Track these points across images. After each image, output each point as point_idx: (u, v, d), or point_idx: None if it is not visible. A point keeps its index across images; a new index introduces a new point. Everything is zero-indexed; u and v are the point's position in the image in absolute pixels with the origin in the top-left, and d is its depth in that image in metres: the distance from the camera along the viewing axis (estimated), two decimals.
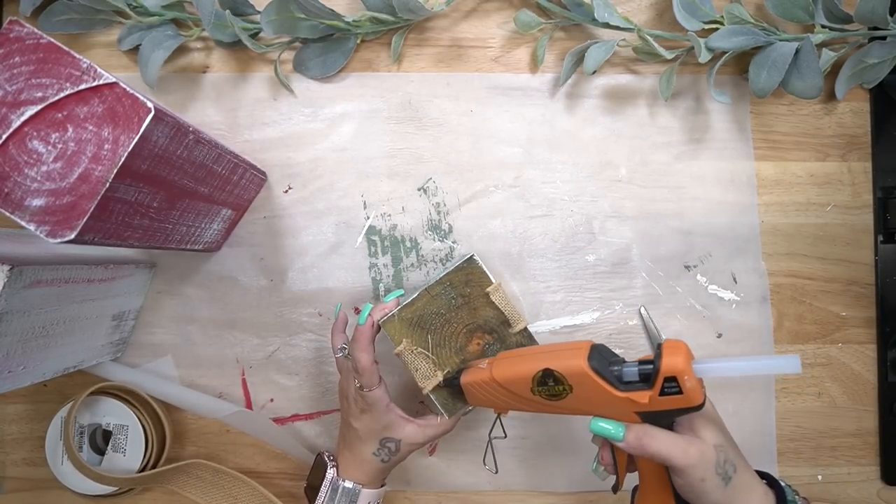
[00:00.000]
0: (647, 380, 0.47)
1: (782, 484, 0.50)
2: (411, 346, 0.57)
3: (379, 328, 0.58)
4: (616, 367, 0.48)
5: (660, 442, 0.46)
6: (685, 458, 0.46)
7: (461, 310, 0.58)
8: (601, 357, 0.49)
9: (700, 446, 0.46)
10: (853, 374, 0.69)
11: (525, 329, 0.59)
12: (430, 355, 0.58)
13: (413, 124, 0.69)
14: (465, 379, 0.56)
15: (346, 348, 0.60)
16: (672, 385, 0.45)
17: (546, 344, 0.55)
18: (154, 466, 0.66)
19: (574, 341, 0.51)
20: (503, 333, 0.59)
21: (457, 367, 0.58)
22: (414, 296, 0.58)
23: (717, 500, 0.46)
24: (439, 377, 0.57)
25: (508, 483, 0.69)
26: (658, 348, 0.47)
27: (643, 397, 0.46)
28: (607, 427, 0.48)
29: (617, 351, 0.68)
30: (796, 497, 0.49)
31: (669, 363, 0.45)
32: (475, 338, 0.59)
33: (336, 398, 0.69)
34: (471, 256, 0.58)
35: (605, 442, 0.51)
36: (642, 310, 0.69)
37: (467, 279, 0.58)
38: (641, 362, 0.48)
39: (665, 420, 0.48)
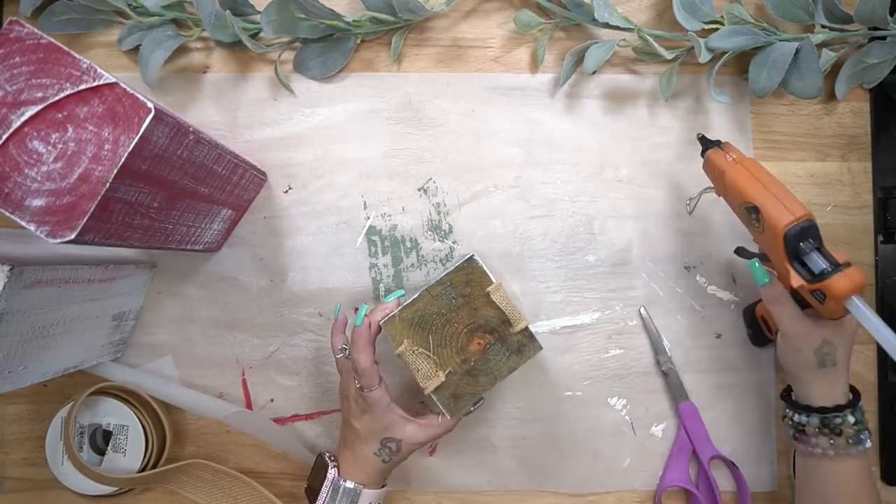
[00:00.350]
0: (816, 273, 0.52)
1: (862, 408, 0.56)
2: (412, 347, 0.57)
3: (379, 329, 0.58)
4: (806, 246, 0.54)
5: (781, 308, 0.56)
6: (790, 328, 0.55)
7: (462, 309, 0.58)
8: (802, 232, 0.53)
9: (808, 328, 0.55)
10: (853, 374, 0.69)
11: (526, 328, 0.58)
12: (431, 355, 0.57)
13: (413, 124, 0.69)
14: (711, 154, 0.60)
15: (346, 349, 0.60)
16: (821, 295, 0.53)
17: (778, 181, 0.56)
18: (154, 466, 0.66)
19: (797, 202, 0.54)
20: (504, 333, 0.58)
21: (458, 366, 0.58)
22: (414, 296, 0.57)
23: (803, 372, 0.56)
24: (441, 377, 0.57)
25: (508, 483, 0.69)
26: (840, 266, 0.52)
27: (797, 281, 0.53)
28: (758, 271, 0.58)
29: (617, 352, 0.69)
30: (864, 419, 0.56)
31: (832, 283, 0.51)
32: (476, 337, 0.58)
33: (336, 398, 0.69)
34: (471, 256, 0.58)
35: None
36: (642, 310, 0.69)
37: (468, 279, 0.58)
38: (829, 259, 0.53)
39: (805, 304, 0.56)
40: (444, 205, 0.69)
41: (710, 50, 0.64)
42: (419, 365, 0.57)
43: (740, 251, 0.64)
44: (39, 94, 0.42)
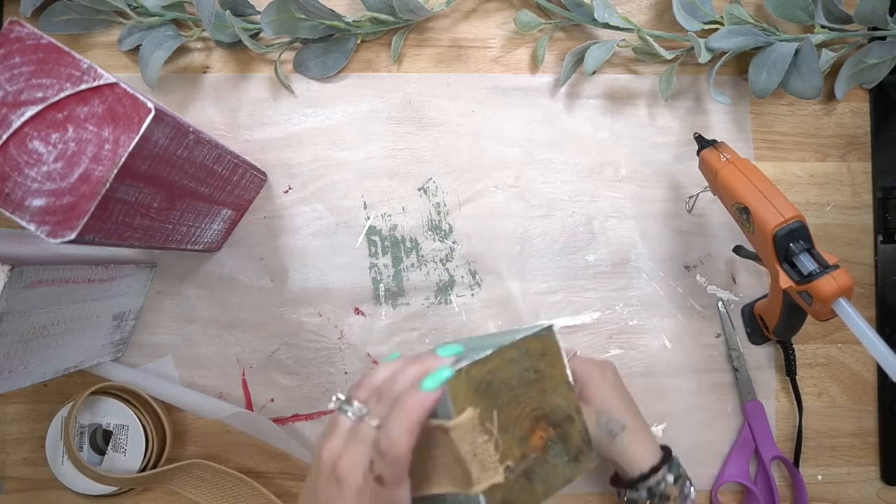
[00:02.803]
0: (804, 274, 0.53)
1: (673, 454, 0.58)
2: (478, 421, 0.40)
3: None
4: (796, 247, 0.54)
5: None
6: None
7: (532, 387, 0.43)
8: (791, 233, 0.54)
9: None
10: (853, 375, 0.69)
11: (586, 430, 0.46)
12: (496, 436, 0.41)
13: (413, 124, 0.69)
14: (705, 153, 0.61)
15: (364, 408, 0.41)
16: (808, 297, 0.53)
17: (770, 182, 0.56)
18: (154, 466, 0.66)
19: (788, 203, 0.54)
20: (567, 430, 0.45)
21: (517, 462, 0.41)
22: (486, 353, 0.41)
23: (606, 451, 0.56)
24: (500, 473, 0.40)
25: None
26: (828, 268, 0.52)
27: (786, 282, 0.54)
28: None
29: (617, 352, 0.69)
30: (681, 471, 0.57)
31: (819, 285, 0.52)
32: (539, 429, 0.43)
33: None
34: (550, 326, 0.46)
35: None
36: (720, 305, 0.69)
37: (544, 350, 0.45)
38: (818, 261, 0.53)
39: (797, 305, 0.56)
40: (444, 205, 0.69)
41: (709, 50, 0.64)
42: (478, 448, 0.40)
43: (738, 249, 0.64)
44: (40, 95, 0.42)
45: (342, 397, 0.42)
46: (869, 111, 0.70)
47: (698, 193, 0.66)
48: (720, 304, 0.69)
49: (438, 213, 0.69)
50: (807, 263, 0.53)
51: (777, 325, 0.62)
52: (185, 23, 0.68)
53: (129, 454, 0.65)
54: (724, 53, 0.65)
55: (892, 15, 0.62)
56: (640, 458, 0.56)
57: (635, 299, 0.69)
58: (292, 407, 0.69)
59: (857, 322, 0.51)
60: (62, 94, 0.42)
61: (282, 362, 0.68)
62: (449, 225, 0.69)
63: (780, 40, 0.65)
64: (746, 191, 0.56)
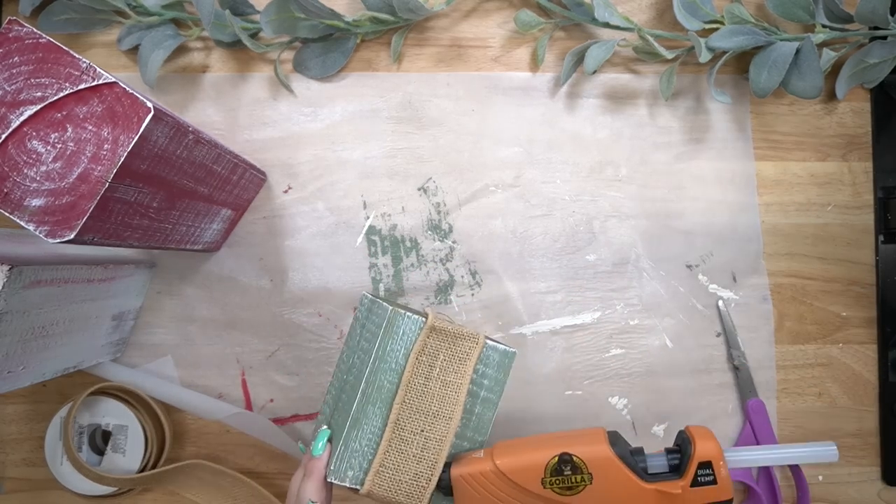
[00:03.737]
0: (675, 470, 0.44)
1: None
2: (379, 477, 0.47)
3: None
4: (640, 457, 0.45)
5: None
6: None
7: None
8: (621, 444, 0.45)
9: None
10: (854, 375, 0.69)
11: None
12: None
13: (413, 124, 0.69)
14: (457, 471, 0.47)
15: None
16: (707, 473, 0.43)
17: (548, 433, 0.48)
18: (154, 467, 0.65)
19: (584, 429, 0.47)
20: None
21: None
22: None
23: None
24: (427, 490, 0.47)
25: None
26: (682, 434, 0.44)
27: (674, 487, 0.43)
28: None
29: (618, 352, 0.69)
30: None
31: (704, 447, 0.43)
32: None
33: None
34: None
35: None
36: (720, 304, 0.69)
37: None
38: (668, 451, 0.45)
39: None
40: (444, 204, 0.69)
41: (710, 50, 0.64)
42: (401, 486, 0.47)
43: None
44: (38, 94, 0.42)
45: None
46: (870, 111, 0.70)
47: None
48: (720, 303, 0.69)
49: (438, 212, 0.69)
50: (662, 458, 0.46)
51: None
52: (185, 22, 0.68)
53: (129, 454, 0.65)
54: (724, 53, 0.65)
55: (892, 14, 0.62)
56: None
57: (636, 299, 0.69)
58: (292, 407, 0.69)
59: (754, 455, 0.45)
60: (61, 94, 0.42)
61: (281, 362, 0.68)
62: (449, 225, 0.69)
63: (781, 40, 0.64)
64: (546, 444, 0.47)
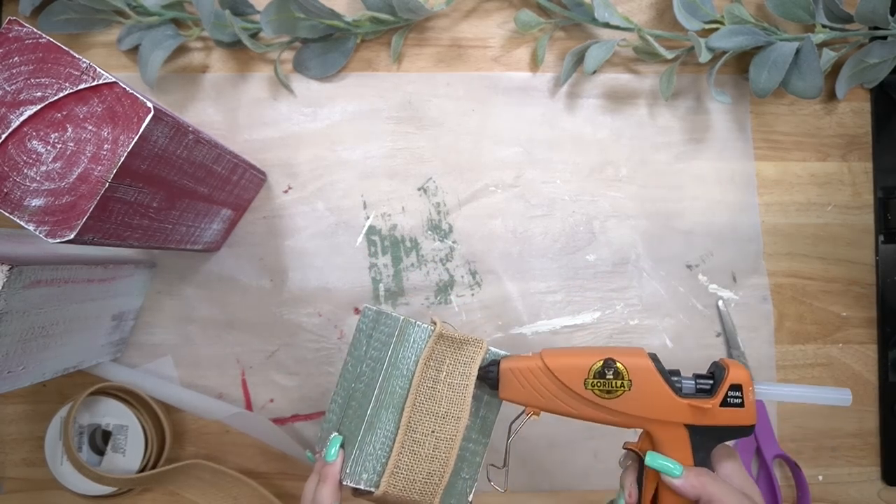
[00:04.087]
0: (706, 392, 0.47)
1: None
2: (391, 480, 0.49)
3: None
4: (676, 377, 0.48)
5: (720, 488, 0.44)
6: (732, 499, 0.44)
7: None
8: (659, 364, 0.48)
9: (745, 482, 0.46)
10: (854, 375, 0.69)
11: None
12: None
13: (413, 124, 0.69)
14: (506, 364, 0.49)
15: None
16: (736, 395, 0.46)
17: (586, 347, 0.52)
18: (154, 467, 0.65)
19: (627, 346, 0.49)
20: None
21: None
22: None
23: None
24: (440, 487, 0.49)
25: (509, 483, 0.68)
26: (716, 364, 0.48)
27: (705, 404, 0.46)
28: (666, 463, 0.46)
29: None
30: None
31: (737, 373, 0.46)
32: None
33: None
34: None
35: (633, 477, 0.50)
36: (720, 303, 0.69)
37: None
38: (697, 377, 0.48)
39: (710, 444, 0.47)
40: (444, 204, 0.69)
41: (710, 50, 0.64)
42: (412, 486, 0.49)
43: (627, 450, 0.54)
44: (38, 94, 0.42)
45: None
46: (870, 111, 0.70)
47: (521, 425, 0.51)
48: (720, 303, 0.69)
49: (438, 212, 0.69)
50: (693, 379, 0.48)
51: None
52: (185, 22, 0.68)
53: (129, 454, 0.65)
54: (724, 53, 0.65)
55: (892, 14, 0.62)
56: None
57: (636, 299, 0.69)
58: (292, 407, 0.69)
59: (782, 390, 0.48)
60: (61, 94, 0.42)
61: (281, 362, 0.68)
62: (449, 225, 0.69)
63: (781, 40, 0.64)
64: (592, 352, 0.49)
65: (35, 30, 0.42)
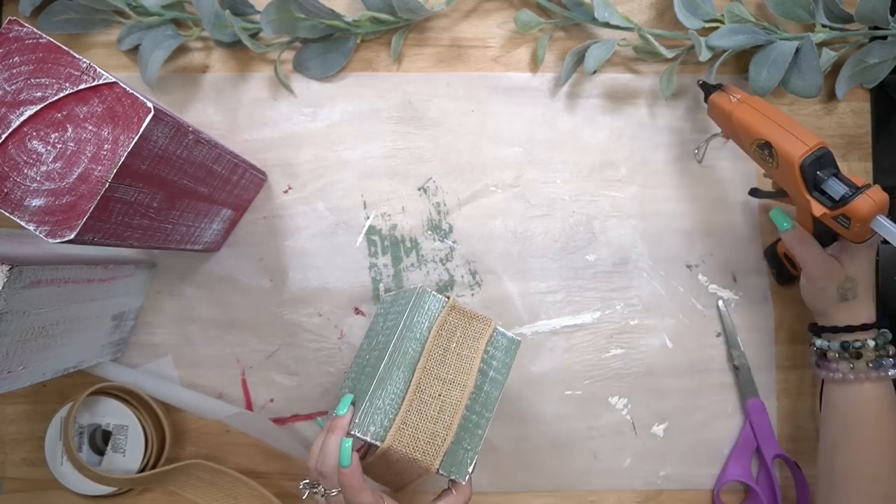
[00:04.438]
0: (838, 199, 0.53)
1: (887, 334, 0.58)
2: (400, 434, 0.50)
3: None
4: (823, 174, 0.54)
5: (804, 249, 0.57)
6: (813, 269, 0.57)
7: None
8: (817, 161, 0.54)
9: (831, 266, 0.57)
10: None
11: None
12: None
13: (413, 124, 0.69)
14: (714, 97, 0.61)
15: (313, 485, 0.51)
16: (845, 219, 0.53)
17: (786, 114, 0.57)
18: (154, 467, 0.65)
19: (808, 132, 0.55)
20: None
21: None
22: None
23: (827, 307, 0.58)
24: (442, 448, 0.51)
25: (509, 483, 0.69)
26: (860, 189, 0.52)
27: (819, 210, 0.54)
28: (780, 217, 0.59)
29: (618, 351, 0.68)
30: (888, 347, 0.57)
31: (855, 206, 0.52)
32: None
33: (336, 397, 0.68)
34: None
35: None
36: (720, 303, 0.69)
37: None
38: (847, 184, 0.53)
39: (831, 232, 0.56)
40: (444, 204, 0.69)
41: (710, 49, 0.64)
42: (418, 444, 0.51)
43: (754, 192, 0.65)
44: (39, 94, 0.42)
45: (307, 482, 0.51)
46: (869, 111, 0.70)
47: (707, 142, 0.66)
48: (720, 303, 0.69)
49: (438, 212, 0.69)
50: (837, 188, 0.54)
51: None
52: (185, 22, 0.68)
53: (129, 454, 0.65)
54: (724, 52, 0.65)
55: (892, 14, 0.62)
56: (850, 316, 0.58)
57: (636, 299, 0.69)
58: (292, 407, 0.69)
59: None
60: (61, 94, 0.42)
61: (281, 362, 0.68)
62: (449, 225, 0.69)
63: (781, 39, 0.65)
64: (765, 126, 0.56)
65: (35, 30, 0.42)
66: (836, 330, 0.58)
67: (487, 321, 0.54)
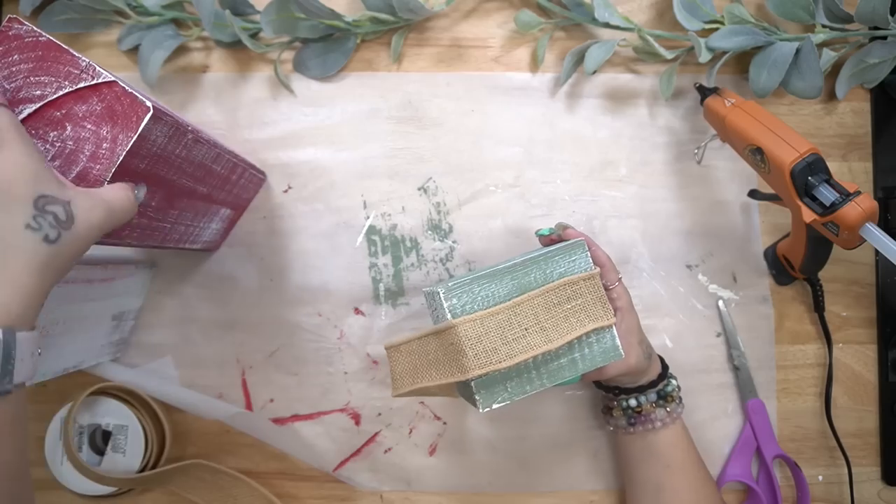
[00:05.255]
0: (828, 207, 0.53)
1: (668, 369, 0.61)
2: (479, 325, 0.50)
3: None
4: (815, 180, 0.54)
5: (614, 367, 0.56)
6: (640, 334, 0.58)
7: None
8: (808, 167, 0.54)
9: (639, 335, 0.58)
10: (854, 375, 0.69)
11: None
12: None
13: (413, 124, 0.69)
14: (709, 101, 0.62)
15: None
16: (834, 227, 0.53)
17: (779, 120, 0.57)
18: (154, 466, 0.65)
19: (800, 138, 0.55)
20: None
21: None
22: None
23: (643, 366, 0.58)
24: (492, 367, 0.50)
25: (509, 483, 0.68)
26: (850, 196, 0.53)
27: (810, 216, 0.55)
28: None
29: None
30: (677, 384, 0.61)
31: (844, 213, 0.52)
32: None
33: (337, 399, 0.68)
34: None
35: None
36: (720, 303, 0.69)
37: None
38: (838, 190, 0.53)
39: (824, 238, 0.56)
40: (444, 204, 0.69)
41: (710, 50, 0.64)
42: (478, 348, 0.50)
43: (754, 193, 0.65)
44: (38, 93, 0.42)
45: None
46: (870, 111, 0.70)
47: (706, 143, 0.67)
48: (720, 303, 0.69)
49: (438, 212, 0.69)
50: (827, 194, 0.54)
51: (803, 262, 0.63)
52: (185, 22, 0.68)
53: (129, 454, 0.65)
54: (724, 53, 0.65)
55: (892, 14, 0.62)
56: (654, 368, 0.60)
57: (636, 299, 0.69)
58: (292, 407, 0.68)
59: (887, 243, 0.52)
60: (60, 92, 0.42)
61: (281, 362, 0.68)
62: (449, 224, 0.69)
63: (781, 40, 0.64)
64: (757, 131, 0.57)
65: (35, 28, 0.42)
66: (653, 384, 0.59)
67: (610, 316, 0.53)
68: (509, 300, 0.51)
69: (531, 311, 0.51)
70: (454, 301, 0.50)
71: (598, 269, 0.54)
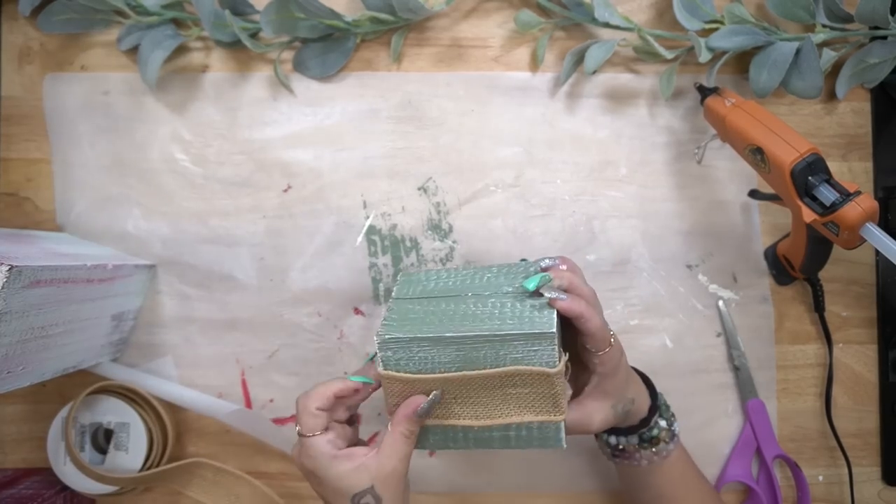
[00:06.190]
0: (827, 207, 0.53)
1: (659, 396, 0.57)
2: (564, 368, 0.48)
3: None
4: (815, 180, 0.54)
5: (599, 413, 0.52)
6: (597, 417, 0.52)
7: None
8: (808, 167, 0.54)
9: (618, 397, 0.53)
10: (854, 375, 0.69)
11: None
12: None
13: (413, 124, 0.69)
14: (709, 101, 0.62)
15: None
16: (834, 226, 0.53)
17: (779, 120, 0.57)
18: (157, 464, 0.65)
19: (800, 138, 0.55)
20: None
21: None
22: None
23: (616, 423, 0.54)
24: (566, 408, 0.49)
25: (509, 483, 0.69)
26: (850, 196, 0.52)
27: (810, 216, 0.54)
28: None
29: None
30: (670, 412, 0.57)
31: (844, 213, 0.52)
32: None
33: None
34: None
35: None
36: (720, 304, 0.69)
37: None
38: (838, 190, 0.53)
39: (825, 239, 0.56)
40: (444, 204, 0.69)
41: (710, 49, 0.64)
42: (560, 389, 0.48)
43: (754, 193, 0.65)
44: None
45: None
46: (870, 111, 0.70)
47: (706, 143, 0.67)
48: (720, 303, 0.69)
49: (438, 212, 0.69)
50: (828, 194, 0.54)
51: (803, 262, 0.63)
52: (185, 22, 0.68)
53: (132, 452, 0.64)
54: (724, 53, 0.65)
55: (893, 14, 0.62)
56: (634, 417, 0.55)
57: (636, 299, 0.69)
58: (292, 407, 0.68)
59: (887, 243, 0.52)
60: None
61: (282, 362, 0.68)
62: (449, 224, 0.69)
63: (781, 39, 0.64)
64: (757, 131, 0.57)
65: None
66: (631, 430, 0.55)
67: (559, 413, 0.48)
68: (442, 374, 0.47)
69: (464, 385, 0.48)
70: (389, 353, 0.47)
71: (560, 368, 0.46)
